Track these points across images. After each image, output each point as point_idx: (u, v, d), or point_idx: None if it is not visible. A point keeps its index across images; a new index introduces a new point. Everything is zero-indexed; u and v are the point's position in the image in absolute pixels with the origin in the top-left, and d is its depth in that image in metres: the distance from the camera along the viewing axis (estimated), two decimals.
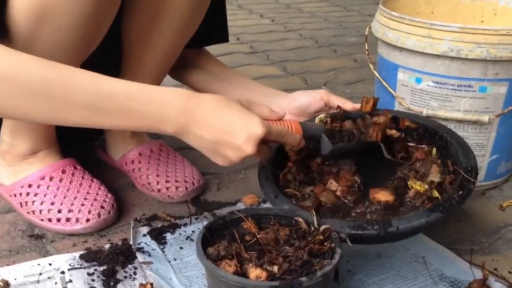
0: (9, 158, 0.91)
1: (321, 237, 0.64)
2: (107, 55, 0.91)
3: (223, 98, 0.70)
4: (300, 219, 0.69)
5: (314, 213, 0.68)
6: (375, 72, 1.06)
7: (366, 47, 1.07)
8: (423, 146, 0.84)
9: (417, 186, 0.75)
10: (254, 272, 0.59)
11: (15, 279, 0.75)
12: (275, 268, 0.60)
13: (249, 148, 0.67)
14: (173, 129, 0.68)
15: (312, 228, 0.66)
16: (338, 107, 0.91)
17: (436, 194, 0.74)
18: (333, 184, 0.78)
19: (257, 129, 0.67)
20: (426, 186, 0.75)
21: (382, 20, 1.01)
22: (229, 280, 0.58)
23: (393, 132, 0.83)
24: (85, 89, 0.66)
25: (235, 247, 0.63)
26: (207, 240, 0.65)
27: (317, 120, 0.87)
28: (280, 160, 0.83)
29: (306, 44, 2.12)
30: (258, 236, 0.65)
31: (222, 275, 0.58)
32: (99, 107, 0.66)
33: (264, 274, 0.58)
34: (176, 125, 0.68)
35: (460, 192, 0.70)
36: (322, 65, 1.85)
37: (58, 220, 0.86)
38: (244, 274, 0.60)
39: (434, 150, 0.83)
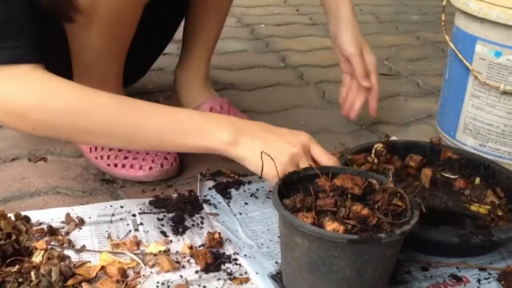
0: None
1: (398, 201, 0.63)
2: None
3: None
4: (374, 181, 0.68)
5: (390, 174, 0.67)
6: (451, 44, 1.03)
7: (443, 18, 1.04)
8: (457, 176, 0.86)
9: (475, 207, 0.79)
10: (331, 226, 0.59)
11: (90, 217, 0.78)
12: (351, 224, 0.60)
13: (296, 146, 0.72)
14: (228, 136, 0.72)
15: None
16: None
17: (500, 212, 0.77)
18: None
19: (303, 134, 0.75)
20: (488, 207, 0.77)
21: None
22: (307, 230, 0.58)
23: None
24: (155, 116, 0.74)
25: (310, 201, 0.63)
26: (282, 193, 0.65)
27: (374, 149, 0.86)
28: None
29: (367, 19, 2.07)
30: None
31: (301, 225, 0.58)
32: (167, 130, 0.73)
33: (341, 228, 0.58)
34: (230, 133, 0.73)
35: None
36: (383, 41, 1.81)
37: (123, 166, 0.89)
38: (320, 226, 0.60)
39: (478, 180, 0.85)
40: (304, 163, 0.71)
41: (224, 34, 1.70)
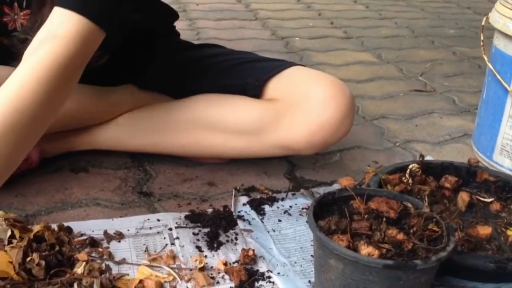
0: None
1: (434, 226, 0.63)
2: None
3: None
4: (409, 204, 0.68)
5: (426, 199, 0.67)
6: (489, 64, 1.02)
7: (482, 38, 1.03)
8: (493, 199, 0.85)
9: (511, 231, 0.78)
10: (366, 250, 0.59)
11: (128, 230, 0.80)
12: (385, 248, 0.60)
13: None
14: None
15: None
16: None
17: None
18: None
19: None
20: None
21: (504, 11, 0.96)
22: (343, 254, 0.59)
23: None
24: None
25: (345, 223, 0.64)
26: (316, 213, 0.66)
27: (408, 170, 0.85)
28: None
29: (402, 33, 2.06)
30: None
31: (336, 248, 0.59)
32: None
33: (376, 252, 0.59)
34: None
35: None
36: (418, 56, 1.80)
37: None
38: (355, 250, 0.60)
39: None
40: None
41: (259, 47, 1.74)
